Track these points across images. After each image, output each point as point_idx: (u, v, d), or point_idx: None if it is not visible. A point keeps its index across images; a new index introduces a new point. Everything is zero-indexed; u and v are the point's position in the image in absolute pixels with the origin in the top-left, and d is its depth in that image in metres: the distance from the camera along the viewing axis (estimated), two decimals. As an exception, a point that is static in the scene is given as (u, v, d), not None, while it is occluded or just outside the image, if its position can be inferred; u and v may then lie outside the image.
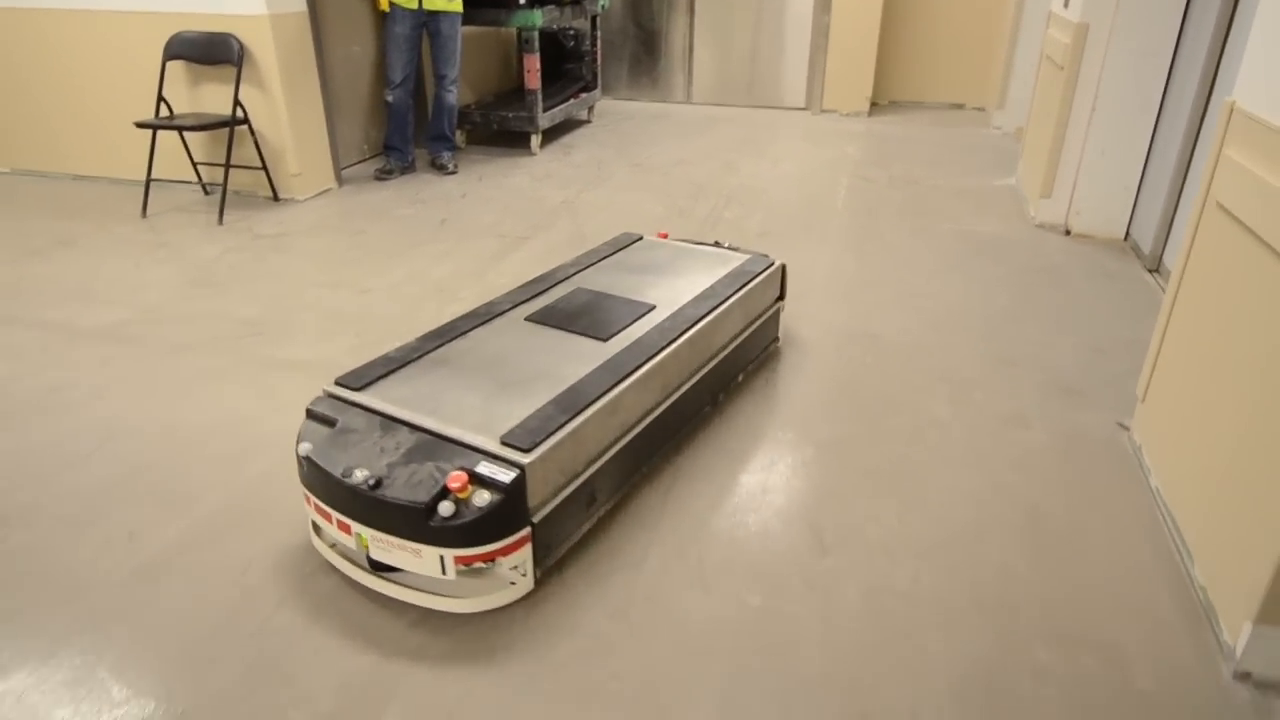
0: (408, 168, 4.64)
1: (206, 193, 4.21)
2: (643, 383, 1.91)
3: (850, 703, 1.48)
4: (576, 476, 1.74)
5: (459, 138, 5.01)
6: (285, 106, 3.97)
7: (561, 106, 5.42)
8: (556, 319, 2.16)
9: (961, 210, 4.12)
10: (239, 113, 3.89)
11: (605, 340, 2.03)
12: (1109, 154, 3.59)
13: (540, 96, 5.00)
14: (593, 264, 2.54)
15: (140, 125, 3.79)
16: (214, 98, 4.03)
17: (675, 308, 2.20)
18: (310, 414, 1.79)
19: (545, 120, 5.13)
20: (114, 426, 2.27)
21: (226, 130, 3.89)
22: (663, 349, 1.99)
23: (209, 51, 3.89)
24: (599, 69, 6.05)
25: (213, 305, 3.01)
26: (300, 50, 4.04)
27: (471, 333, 2.11)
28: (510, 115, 5.10)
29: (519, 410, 1.73)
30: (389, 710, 1.45)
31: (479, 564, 1.58)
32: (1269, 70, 1.72)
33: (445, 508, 1.51)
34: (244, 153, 4.01)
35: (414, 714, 1.45)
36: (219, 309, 2.98)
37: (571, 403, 1.75)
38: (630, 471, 1.97)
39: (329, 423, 1.74)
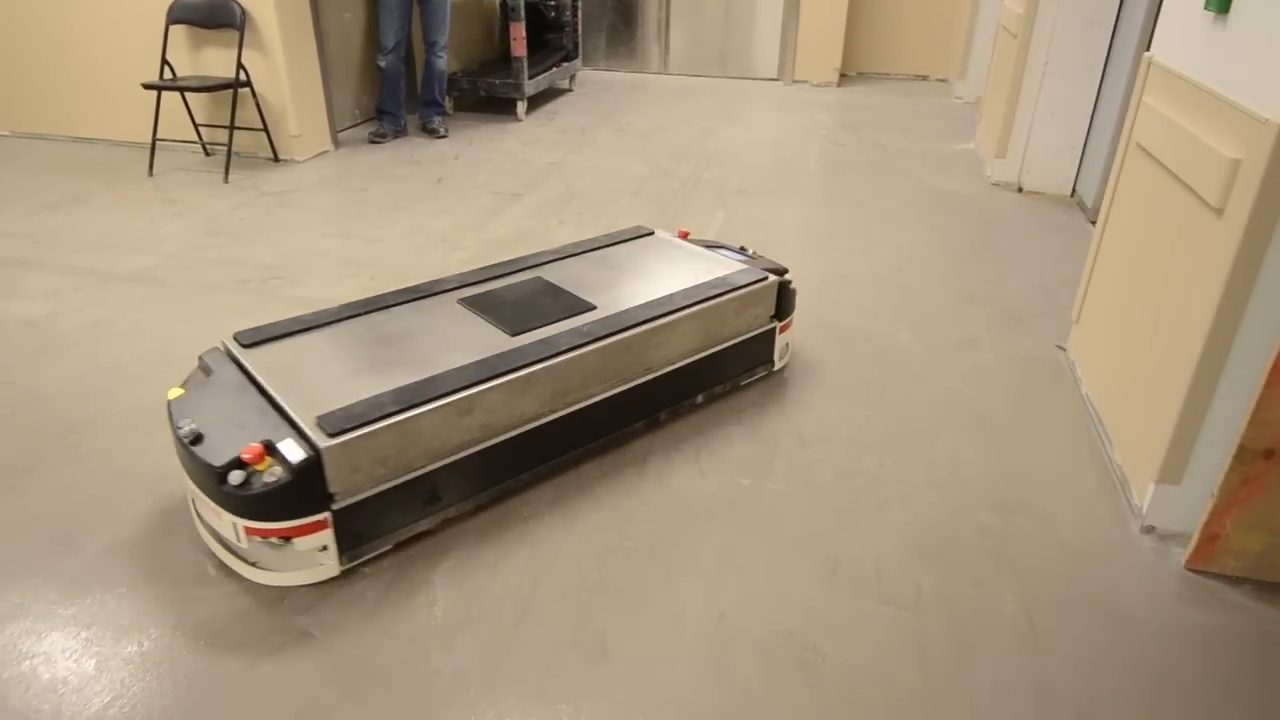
0: (400, 131, 4.84)
1: (208, 154, 4.37)
2: (520, 386, 1.80)
3: (825, 553, 1.78)
4: (408, 471, 1.69)
5: (447, 104, 5.20)
6: (286, 70, 4.15)
7: (545, 75, 5.63)
8: (485, 306, 2.08)
9: (924, 171, 4.43)
10: (242, 75, 4.06)
11: (512, 335, 1.94)
12: (1057, 116, 3.91)
13: (526, 64, 5.20)
14: (576, 254, 2.43)
15: (147, 86, 3.95)
16: (215, 61, 4.19)
17: (614, 312, 2.05)
18: (199, 361, 1.88)
19: (531, 87, 5.33)
20: (158, 354, 2.49)
21: (229, 93, 4.06)
22: (557, 355, 1.86)
23: (211, 15, 4.05)
24: (580, 39, 6.26)
25: (231, 253, 3.21)
26: (298, 15, 4.21)
27: (395, 308, 2.09)
28: (497, 82, 5.30)
29: (365, 392, 1.70)
30: (445, 562, 1.72)
31: (272, 539, 1.58)
32: (1178, 28, 2.02)
33: (235, 476, 1.52)
34: (245, 115, 4.18)
35: (461, 569, 1.72)
36: (238, 256, 3.19)
37: (414, 394, 1.69)
38: (503, 476, 1.87)
39: (208, 373, 1.83)
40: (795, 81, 6.67)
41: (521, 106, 5.33)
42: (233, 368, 1.83)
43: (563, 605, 1.64)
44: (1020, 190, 4.12)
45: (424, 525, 1.78)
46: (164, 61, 4.09)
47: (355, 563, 1.69)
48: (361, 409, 1.64)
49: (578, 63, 6.26)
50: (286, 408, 1.66)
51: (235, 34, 4.03)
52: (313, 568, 1.64)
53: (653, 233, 2.62)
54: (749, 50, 6.78)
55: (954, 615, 1.64)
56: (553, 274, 2.30)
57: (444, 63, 4.84)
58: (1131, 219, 2.18)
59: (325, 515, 1.59)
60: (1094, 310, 2.39)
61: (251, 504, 1.54)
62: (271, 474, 1.53)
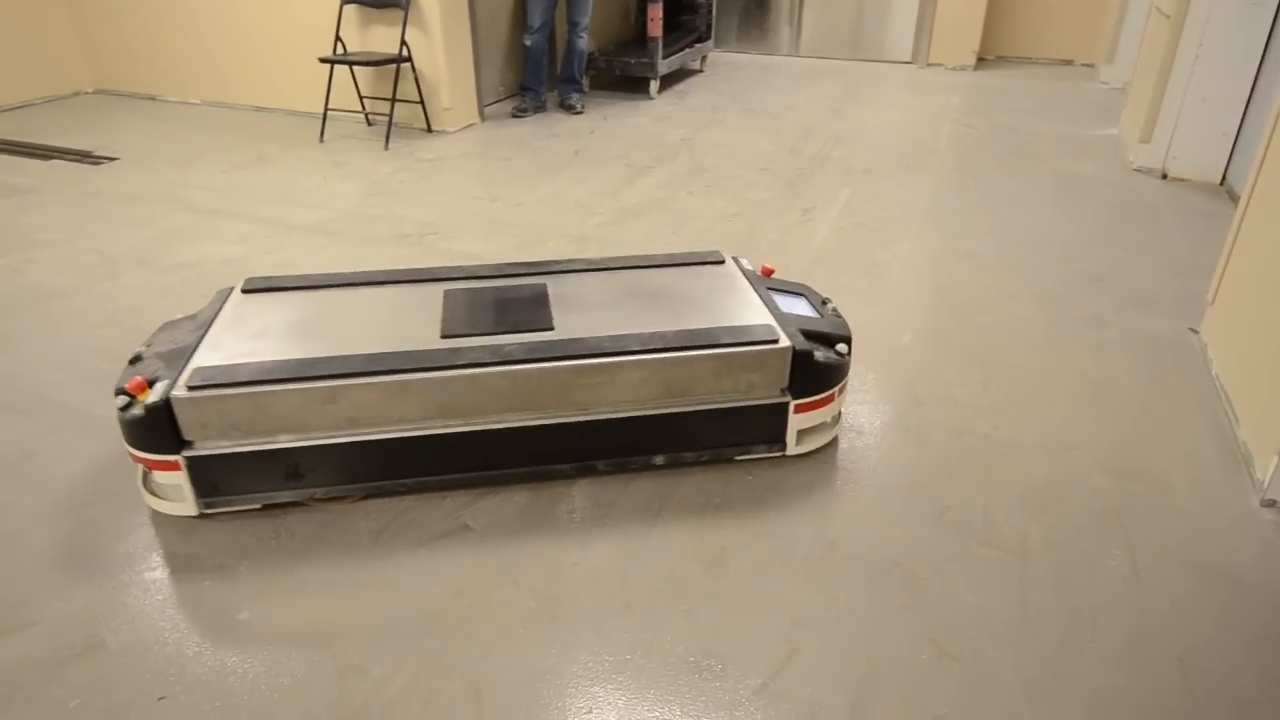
0: (540, 106, 5.12)
1: (369, 124, 4.79)
2: (396, 390, 1.75)
3: (933, 499, 1.89)
4: (265, 440, 1.75)
5: (584, 82, 5.45)
6: (442, 48, 4.49)
7: (678, 55, 5.80)
8: (457, 302, 2.03)
9: (1060, 155, 4.34)
10: (404, 52, 4.43)
11: (440, 337, 1.88)
12: (1210, 100, 3.76)
13: (661, 44, 5.39)
14: (614, 268, 2.23)
15: (323, 60, 4.37)
16: (381, 38, 4.58)
17: (561, 338, 1.87)
18: (215, 295, 2.09)
19: (664, 67, 5.52)
20: (334, 294, 2.83)
21: (392, 67, 4.44)
22: (445, 369, 1.76)
23: (381, -4, 4.43)
24: (713, 21, 6.38)
25: (394, 211, 3.56)
26: (456, -3, 4.54)
27: (386, 285, 2.12)
28: (632, 61, 5.51)
29: (263, 356, 1.78)
30: (583, 478, 1.93)
31: (142, 465, 1.76)
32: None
33: (119, 400, 1.69)
34: (404, 88, 4.55)
35: (597, 485, 1.92)
36: (399, 214, 3.53)
37: (279, 371, 1.73)
38: (384, 474, 1.84)
39: (209, 307, 2.02)
40: (929, 65, 6.57)
41: (654, 85, 5.52)
42: (215, 306, 2.00)
43: (686, 523, 1.82)
44: (1164, 176, 3.98)
45: (287, 497, 1.82)
46: (337, 38, 4.51)
47: (214, 510, 1.79)
48: (232, 372, 1.73)
49: (710, 44, 6.40)
50: (196, 353, 1.81)
51: (400, 14, 4.40)
52: (176, 502, 1.78)
53: (723, 261, 2.26)
54: (883, 33, 6.72)
55: (1058, 563, 1.71)
56: (563, 284, 2.13)
57: (584, 43, 5.08)
58: (1274, 198, 2.15)
59: (178, 458, 1.72)
60: (1230, 291, 2.36)
61: (123, 428, 1.71)
62: (139, 407, 1.67)
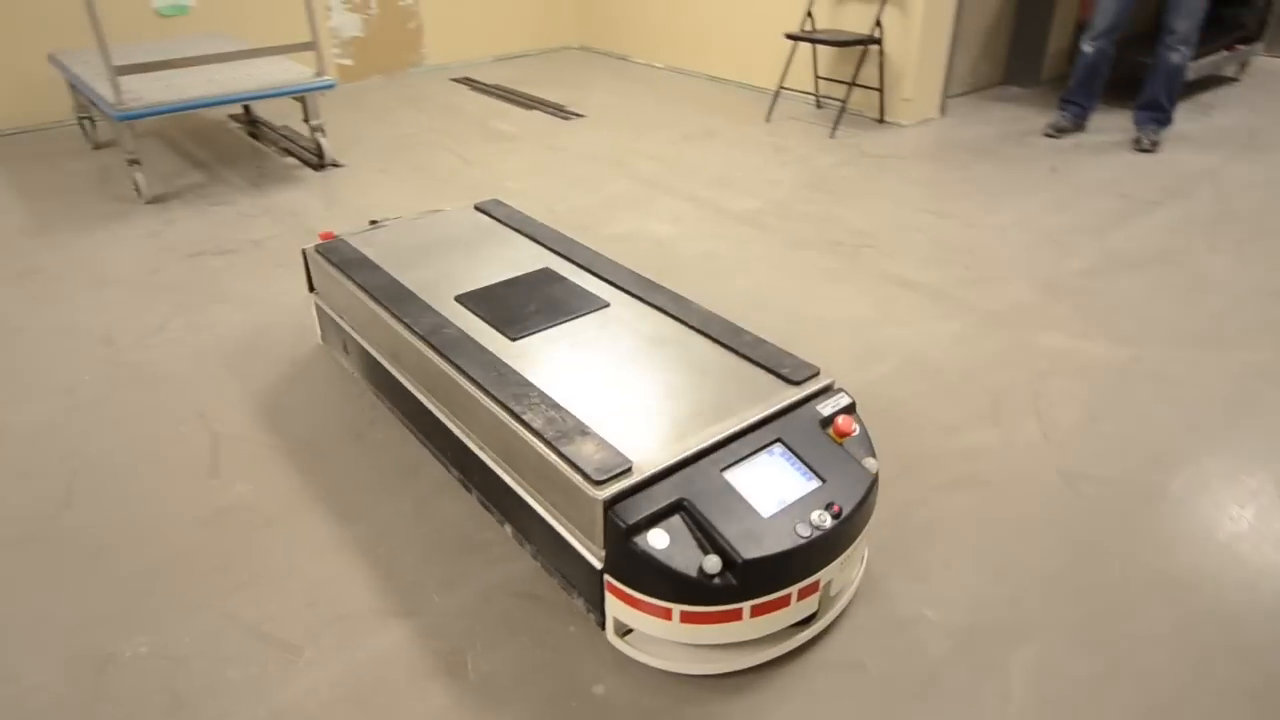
0: (1080, 126, 4.12)
1: (819, 106, 4.50)
2: (370, 319, 1.98)
3: None
4: (334, 312, 2.17)
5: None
6: (920, 30, 3.99)
7: (1210, 58, 4.58)
8: (527, 282, 2.01)
9: None
10: (875, 33, 4.02)
11: (454, 299, 1.94)
12: None
13: (1194, 43, 4.26)
14: (692, 327, 1.81)
15: (790, 37, 4.15)
16: (852, 17, 4.22)
17: (494, 353, 1.70)
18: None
19: (1190, 71, 4.38)
20: (755, 298, 2.60)
21: (857, 50, 4.07)
22: (397, 320, 1.87)
23: (864, -29, 4.06)
24: (1267, 18, 4.95)
25: (828, 210, 3.23)
26: (949, -26, 3.99)
27: (544, 248, 2.19)
28: (1138, 58, 4.45)
29: (379, 254, 2.14)
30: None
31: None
32: None
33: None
34: (864, 72, 4.16)
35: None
36: (834, 215, 3.19)
37: (348, 267, 2.06)
38: (380, 388, 2.10)
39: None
40: None
41: (1170, 94, 4.42)
42: (445, 210, 2.43)
43: None
44: None
45: (345, 364, 2.25)
46: (808, 14, 4.25)
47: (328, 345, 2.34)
48: (334, 250, 2.14)
49: (1257, 46, 4.98)
50: (370, 232, 2.27)
51: (881, -10, 3.99)
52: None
53: (800, 382, 1.60)
54: None
55: None
56: (628, 314, 1.88)
57: (1181, 58, 3.86)
58: None
59: (311, 297, 2.30)
60: None
61: None
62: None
